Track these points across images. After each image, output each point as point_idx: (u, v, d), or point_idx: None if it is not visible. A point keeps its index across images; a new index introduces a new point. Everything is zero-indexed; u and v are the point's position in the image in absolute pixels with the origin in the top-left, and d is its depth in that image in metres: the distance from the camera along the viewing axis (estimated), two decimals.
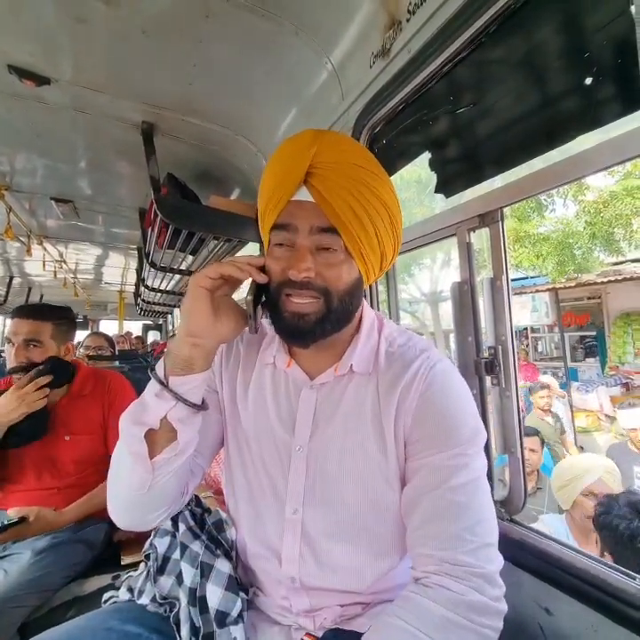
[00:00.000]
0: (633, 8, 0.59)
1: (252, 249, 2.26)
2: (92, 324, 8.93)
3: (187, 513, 0.82)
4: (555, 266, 8.31)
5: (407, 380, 0.68)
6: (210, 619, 0.67)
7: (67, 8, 1.12)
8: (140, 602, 0.75)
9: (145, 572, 0.79)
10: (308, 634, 0.68)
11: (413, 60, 0.99)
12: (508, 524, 0.93)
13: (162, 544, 0.80)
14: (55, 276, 4.41)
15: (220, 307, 0.66)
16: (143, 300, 4.87)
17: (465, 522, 0.60)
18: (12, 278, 4.91)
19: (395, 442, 0.67)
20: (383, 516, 0.69)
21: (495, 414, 0.94)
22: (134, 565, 1.23)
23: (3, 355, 3.55)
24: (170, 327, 7.93)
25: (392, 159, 1.21)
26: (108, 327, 9.32)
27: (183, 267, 2.86)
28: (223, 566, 0.72)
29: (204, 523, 0.82)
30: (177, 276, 3.22)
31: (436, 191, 1.23)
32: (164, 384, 0.64)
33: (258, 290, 0.66)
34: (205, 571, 0.72)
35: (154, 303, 5.25)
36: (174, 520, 0.81)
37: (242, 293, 0.70)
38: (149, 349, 6.80)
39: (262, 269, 0.67)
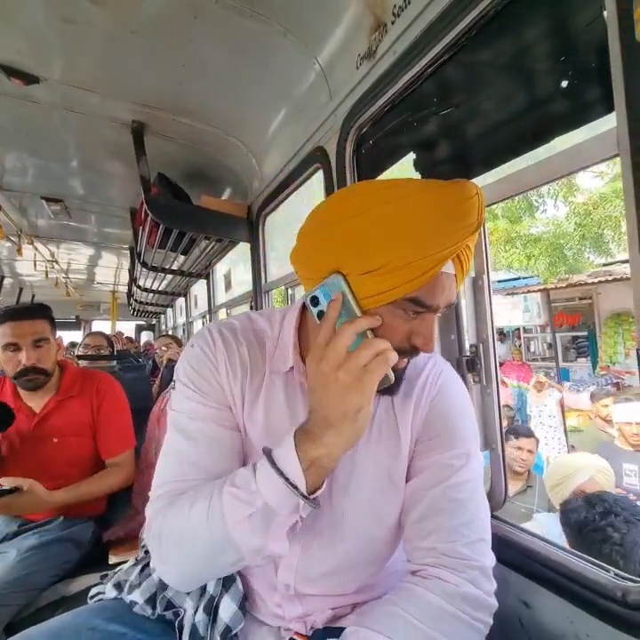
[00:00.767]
0: (605, 13, 0.61)
1: (242, 249, 2.27)
2: (85, 324, 8.85)
3: None
4: (546, 266, 8.36)
5: (419, 387, 0.69)
6: (216, 630, 0.66)
7: (56, 7, 1.13)
8: (130, 597, 0.73)
9: (140, 566, 0.77)
10: (297, 633, 0.68)
11: (399, 62, 1.00)
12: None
13: None
14: (47, 275, 4.39)
15: None
16: (136, 301, 4.86)
17: (463, 517, 0.61)
18: (2, 278, 4.87)
19: (408, 445, 0.68)
20: (383, 522, 0.69)
21: (476, 411, 0.95)
22: (122, 565, 1.23)
23: None
24: (163, 327, 7.91)
25: (378, 160, 1.22)
26: (101, 328, 9.23)
27: (175, 266, 2.87)
28: (239, 583, 0.71)
29: None
30: (169, 276, 3.21)
31: None
32: (307, 498, 0.53)
33: None
34: (227, 583, 0.69)
35: (147, 303, 5.25)
36: None
37: None
38: (142, 350, 6.81)
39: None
